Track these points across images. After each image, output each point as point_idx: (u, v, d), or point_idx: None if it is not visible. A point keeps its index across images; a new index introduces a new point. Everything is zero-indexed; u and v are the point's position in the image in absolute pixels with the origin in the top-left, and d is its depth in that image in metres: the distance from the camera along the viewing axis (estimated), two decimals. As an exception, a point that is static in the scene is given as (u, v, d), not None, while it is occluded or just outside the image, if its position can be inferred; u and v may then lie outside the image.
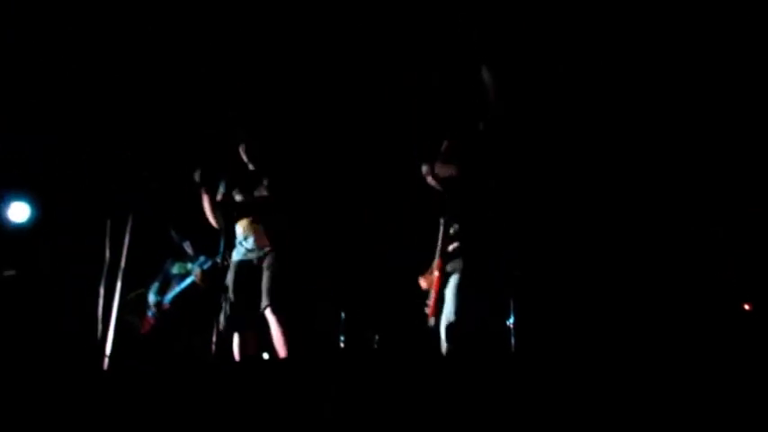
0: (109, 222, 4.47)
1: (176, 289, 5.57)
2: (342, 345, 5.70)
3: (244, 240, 4.26)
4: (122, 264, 4.38)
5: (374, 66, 5.38)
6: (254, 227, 4.23)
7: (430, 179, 3.81)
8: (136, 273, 4.85)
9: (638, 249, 4.58)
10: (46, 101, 5.66)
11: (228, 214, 4.30)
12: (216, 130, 5.35)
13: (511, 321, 3.47)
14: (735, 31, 4.71)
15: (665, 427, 2.24)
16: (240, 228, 4.28)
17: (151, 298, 5.69)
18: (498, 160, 3.67)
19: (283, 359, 3.97)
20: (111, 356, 4.16)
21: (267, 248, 4.18)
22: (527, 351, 3.41)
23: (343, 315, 5.78)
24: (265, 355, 4.80)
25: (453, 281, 3.65)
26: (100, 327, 4.21)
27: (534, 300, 3.57)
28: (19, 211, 6.08)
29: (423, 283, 3.83)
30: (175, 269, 5.69)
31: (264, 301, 4.07)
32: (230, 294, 4.18)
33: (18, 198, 6.11)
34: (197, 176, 4.27)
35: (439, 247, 3.75)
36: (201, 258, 5.50)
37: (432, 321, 3.70)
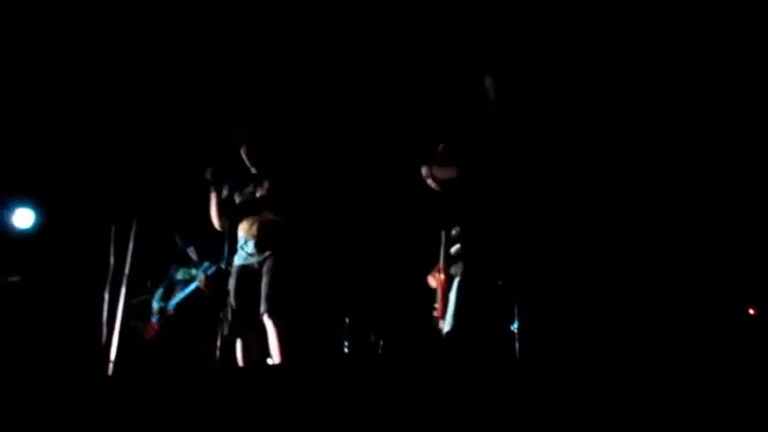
0: (113, 228, 4.48)
1: (180, 295, 5.58)
2: (346, 350, 5.68)
3: (245, 244, 4.25)
4: (127, 270, 4.38)
5: (374, 66, 5.38)
6: (255, 231, 4.23)
7: (430, 181, 3.81)
8: (140, 279, 4.87)
9: (638, 249, 4.57)
10: (49, 106, 5.67)
11: (232, 216, 4.29)
12: (217, 130, 5.35)
13: (515, 326, 3.46)
14: (735, 31, 4.71)
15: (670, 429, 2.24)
16: (241, 231, 4.28)
17: (155, 304, 5.70)
18: (498, 160, 3.67)
19: (285, 365, 3.97)
20: (115, 362, 4.16)
21: (267, 253, 4.18)
22: (531, 355, 3.40)
23: (347, 320, 5.77)
24: (270, 361, 4.80)
25: (456, 283, 3.66)
26: (104, 332, 4.21)
27: (536, 301, 3.56)
28: (23, 218, 6.10)
29: (431, 281, 3.83)
30: (180, 275, 5.70)
31: (263, 307, 4.06)
32: (232, 299, 4.18)
33: (22, 204, 6.13)
34: (208, 174, 4.26)
35: (442, 250, 3.76)
36: (206, 264, 5.51)
37: (441, 324, 3.71)
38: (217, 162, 4.32)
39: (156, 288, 5.78)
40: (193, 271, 5.61)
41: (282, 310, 4.07)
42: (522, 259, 3.55)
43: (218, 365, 4.17)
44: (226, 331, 4.16)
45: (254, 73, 5.52)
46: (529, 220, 3.62)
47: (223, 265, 4.22)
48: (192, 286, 5.52)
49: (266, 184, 4.27)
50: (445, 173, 3.76)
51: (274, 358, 4.05)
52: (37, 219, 6.16)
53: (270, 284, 4.08)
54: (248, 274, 4.18)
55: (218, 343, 4.13)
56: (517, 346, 3.42)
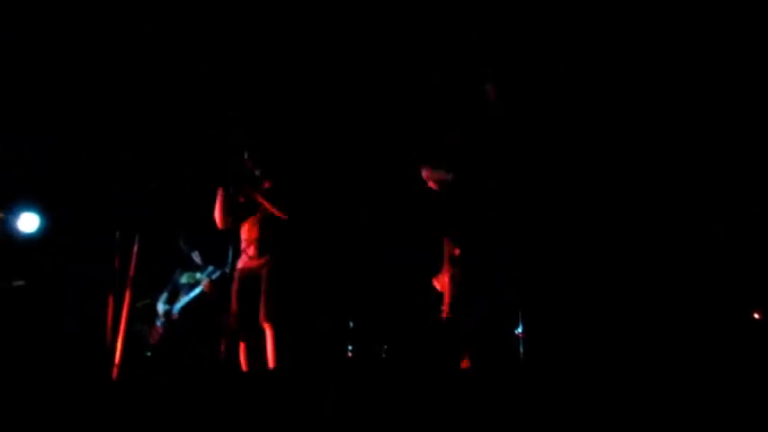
0: (118, 233, 4.49)
1: (185, 299, 5.58)
2: (350, 354, 5.68)
3: (246, 247, 4.24)
4: (131, 273, 4.39)
5: (374, 66, 5.38)
6: (255, 233, 4.22)
7: (431, 182, 3.82)
8: (145, 283, 4.87)
9: (638, 249, 4.56)
10: (53, 109, 5.68)
11: (236, 216, 4.28)
12: (217, 130, 5.36)
13: (519, 330, 3.46)
14: (735, 31, 4.71)
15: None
16: (243, 234, 4.28)
17: (160, 308, 5.70)
18: (498, 160, 3.67)
19: (277, 371, 3.95)
20: (120, 366, 4.16)
21: (268, 256, 4.18)
22: (535, 358, 3.40)
23: (351, 324, 5.76)
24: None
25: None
26: (109, 336, 4.22)
27: (537, 302, 3.56)
28: (28, 222, 6.11)
29: (437, 285, 3.83)
30: (184, 279, 5.70)
31: (261, 312, 4.05)
32: (234, 303, 4.17)
33: (27, 209, 6.14)
34: (223, 170, 4.25)
35: (446, 253, 3.75)
36: (210, 268, 5.51)
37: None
38: (231, 160, 4.31)
39: (161, 292, 5.79)
40: (198, 275, 5.62)
41: (280, 317, 4.04)
42: (523, 259, 3.55)
43: (222, 370, 4.18)
44: (228, 335, 4.16)
45: (254, 73, 5.52)
46: (529, 220, 3.62)
47: (228, 270, 4.22)
48: (197, 290, 5.52)
49: (268, 185, 4.26)
50: (437, 176, 3.77)
51: (269, 364, 4.03)
52: (42, 223, 6.17)
53: (269, 290, 4.06)
54: (250, 278, 4.17)
55: (222, 347, 4.13)
56: (522, 349, 3.42)
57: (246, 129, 4.81)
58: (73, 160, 5.96)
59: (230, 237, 4.34)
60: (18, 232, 6.05)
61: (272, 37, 5.28)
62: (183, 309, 5.58)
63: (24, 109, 5.60)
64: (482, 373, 3.24)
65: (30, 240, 6.10)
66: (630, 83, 4.94)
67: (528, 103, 3.94)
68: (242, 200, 4.27)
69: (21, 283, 5.92)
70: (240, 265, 4.25)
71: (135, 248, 4.46)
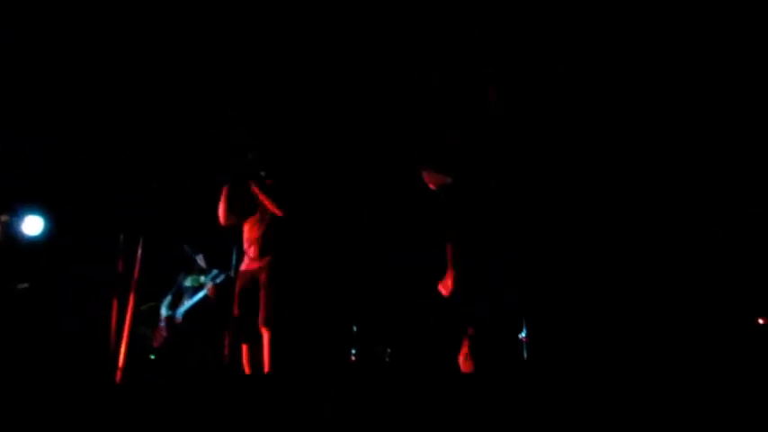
0: (122, 236, 4.50)
1: (189, 302, 5.59)
2: (353, 358, 5.67)
3: (248, 248, 4.24)
4: (135, 276, 4.39)
5: (374, 66, 5.38)
6: (256, 234, 4.21)
7: (430, 184, 3.82)
8: (149, 286, 4.87)
9: (638, 250, 4.55)
10: (57, 112, 5.69)
11: (240, 213, 4.28)
12: (218, 130, 5.36)
13: (523, 335, 3.46)
14: (735, 31, 4.70)
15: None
16: (245, 234, 4.27)
17: (164, 311, 5.71)
18: (498, 161, 3.67)
19: (271, 376, 3.94)
20: (123, 369, 4.16)
21: (268, 257, 4.17)
22: (537, 358, 3.40)
23: (354, 328, 5.75)
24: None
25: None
26: (112, 339, 4.22)
27: (537, 303, 3.56)
28: (33, 225, 6.12)
29: (442, 290, 3.83)
30: (188, 282, 5.71)
31: (260, 316, 4.04)
32: (235, 306, 4.16)
33: (32, 211, 6.16)
34: (236, 164, 4.24)
35: (449, 255, 3.75)
36: (214, 272, 5.52)
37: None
38: (234, 158, 4.30)
39: (165, 295, 5.79)
40: (201, 278, 5.62)
41: (277, 322, 4.02)
42: (523, 259, 3.55)
43: (225, 373, 4.17)
44: (231, 338, 4.15)
45: (254, 73, 5.52)
46: (529, 220, 3.62)
47: (232, 273, 4.21)
48: (201, 294, 5.53)
49: (269, 183, 4.24)
50: (434, 179, 3.77)
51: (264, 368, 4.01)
52: (46, 226, 6.19)
53: (266, 295, 4.05)
54: (251, 280, 4.16)
55: (226, 350, 4.12)
56: (525, 353, 3.42)
57: (247, 129, 4.80)
58: (76, 162, 5.96)
59: (234, 239, 4.34)
60: (22, 235, 6.06)
61: (273, 37, 5.28)
62: (187, 312, 5.58)
63: (25, 109, 5.61)
64: (486, 377, 3.24)
65: (34, 243, 6.11)
66: (630, 83, 4.93)
67: (528, 104, 3.94)
68: (244, 196, 4.26)
69: (25, 285, 5.94)
70: (243, 267, 4.24)
71: (139, 251, 4.46)
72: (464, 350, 3.47)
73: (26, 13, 4.98)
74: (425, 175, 3.77)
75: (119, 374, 4.18)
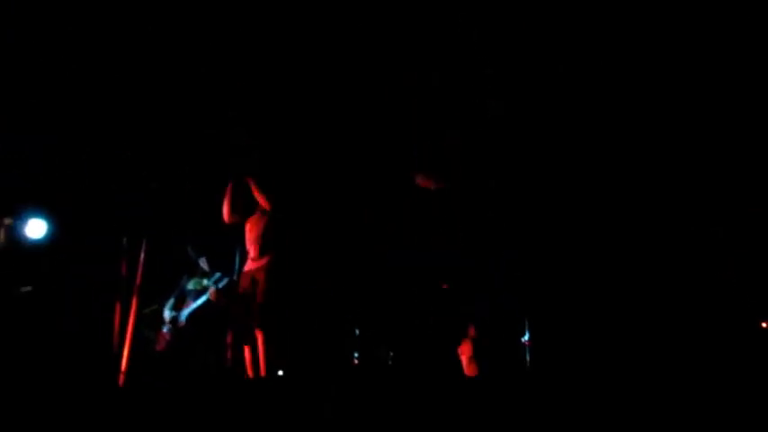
0: (125, 239, 4.50)
1: (192, 306, 5.58)
2: (355, 361, 5.65)
3: (249, 248, 4.24)
4: (138, 280, 4.39)
5: (374, 66, 5.38)
6: (256, 233, 4.21)
7: (425, 187, 3.82)
8: (152, 289, 4.87)
9: (638, 249, 4.55)
10: (61, 114, 5.69)
11: (243, 211, 4.28)
12: (218, 131, 5.36)
13: (526, 338, 3.46)
14: (735, 32, 4.70)
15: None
16: (246, 235, 4.27)
17: (167, 314, 5.71)
18: (498, 161, 3.68)
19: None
20: (127, 372, 4.16)
21: (267, 257, 4.16)
22: (539, 359, 3.40)
23: (357, 331, 5.74)
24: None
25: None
26: (116, 342, 4.22)
27: (537, 303, 3.56)
28: (36, 228, 6.13)
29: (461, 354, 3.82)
30: (191, 285, 5.71)
31: (255, 319, 4.04)
32: (236, 307, 4.16)
33: (35, 215, 6.16)
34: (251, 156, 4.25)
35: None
36: (217, 275, 5.51)
37: None
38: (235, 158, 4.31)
39: (168, 298, 5.79)
40: (205, 281, 5.61)
41: (271, 323, 4.01)
42: (523, 260, 3.55)
43: (228, 376, 4.17)
44: (232, 340, 4.14)
45: (254, 73, 5.52)
46: (529, 220, 3.62)
47: (235, 277, 4.21)
48: (204, 297, 5.52)
49: (261, 181, 4.24)
50: (430, 182, 3.77)
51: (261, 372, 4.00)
52: (49, 229, 6.19)
53: (260, 295, 4.05)
54: (251, 281, 4.16)
55: (228, 354, 4.12)
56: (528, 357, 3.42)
57: (247, 129, 4.81)
58: (76, 163, 5.96)
59: (237, 242, 4.35)
60: (26, 238, 6.07)
61: (273, 37, 5.28)
62: (190, 316, 5.58)
63: (27, 110, 5.61)
64: (489, 381, 3.24)
65: (37, 246, 6.12)
66: (630, 83, 4.93)
67: (528, 104, 3.95)
68: (246, 194, 4.27)
69: (28, 288, 5.94)
70: (245, 268, 4.24)
71: (142, 255, 4.46)
72: (468, 354, 3.47)
73: (26, 13, 4.98)
74: (420, 179, 3.77)
75: (121, 378, 4.19)
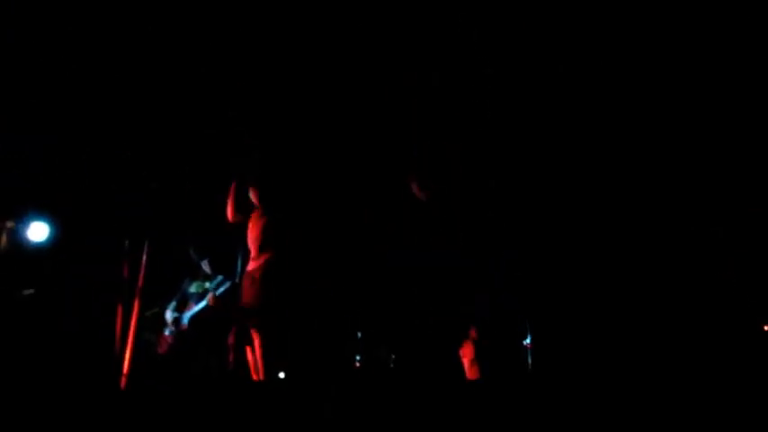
0: (127, 241, 4.50)
1: (194, 309, 5.58)
2: (357, 364, 5.64)
3: (250, 248, 4.25)
4: (140, 282, 4.40)
5: (374, 67, 5.38)
6: (256, 233, 4.22)
7: (419, 193, 3.82)
8: (154, 291, 4.87)
9: (638, 249, 4.54)
10: (61, 114, 5.70)
11: (245, 210, 4.29)
12: (218, 131, 5.37)
13: (528, 341, 3.46)
14: (735, 32, 4.70)
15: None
16: (248, 235, 4.28)
17: (168, 316, 5.70)
18: (498, 161, 3.68)
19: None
20: (128, 375, 4.16)
21: (264, 257, 4.15)
22: (540, 360, 3.40)
23: (359, 334, 5.73)
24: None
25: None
26: (118, 345, 4.22)
27: (537, 302, 3.56)
28: (38, 231, 6.13)
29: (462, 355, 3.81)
30: (193, 288, 5.70)
31: (253, 320, 4.03)
32: (237, 308, 4.16)
33: (37, 218, 6.16)
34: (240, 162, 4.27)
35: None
36: (219, 277, 5.51)
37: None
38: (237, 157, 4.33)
39: (170, 301, 5.79)
40: (207, 284, 5.61)
41: (267, 325, 4.01)
42: (523, 260, 3.55)
43: (230, 379, 4.17)
44: (234, 342, 4.15)
45: (254, 73, 5.53)
46: (529, 220, 3.63)
47: (237, 280, 4.21)
48: (206, 300, 5.52)
49: (257, 180, 4.25)
50: (425, 193, 3.77)
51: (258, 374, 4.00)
52: (51, 232, 6.20)
53: (257, 295, 4.05)
54: (252, 282, 4.16)
55: (230, 356, 4.12)
56: (530, 360, 3.41)
57: (247, 129, 4.81)
58: (77, 163, 5.97)
59: (240, 244, 4.35)
60: (28, 241, 6.07)
61: (273, 37, 5.29)
62: (192, 318, 5.57)
63: (28, 110, 5.61)
64: (491, 383, 3.23)
65: (39, 249, 6.12)
66: (630, 83, 4.93)
67: (527, 104, 3.95)
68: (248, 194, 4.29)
69: (30, 291, 5.94)
70: (248, 268, 4.25)
71: (144, 257, 4.47)
72: (470, 356, 3.47)
73: (26, 13, 4.99)
74: (414, 184, 3.77)
75: (123, 380, 4.19)
